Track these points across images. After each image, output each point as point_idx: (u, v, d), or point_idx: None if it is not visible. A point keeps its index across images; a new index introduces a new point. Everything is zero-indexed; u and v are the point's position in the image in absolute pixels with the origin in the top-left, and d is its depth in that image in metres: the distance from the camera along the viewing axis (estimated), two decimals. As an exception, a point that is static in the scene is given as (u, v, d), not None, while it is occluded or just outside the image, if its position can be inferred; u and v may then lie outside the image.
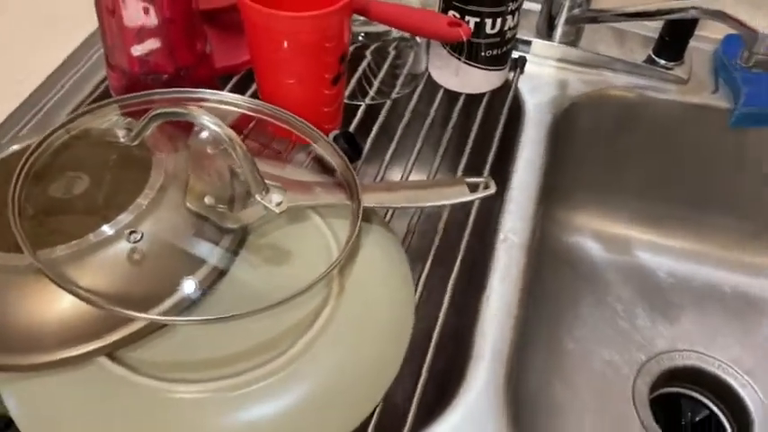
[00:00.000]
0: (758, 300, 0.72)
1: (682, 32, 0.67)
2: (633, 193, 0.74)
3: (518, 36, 0.68)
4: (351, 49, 0.60)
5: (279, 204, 0.40)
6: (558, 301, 0.71)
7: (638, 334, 0.70)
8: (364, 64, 0.63)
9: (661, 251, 0.75)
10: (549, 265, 0.73)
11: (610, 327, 0.71)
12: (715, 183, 0.71)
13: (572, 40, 0.70)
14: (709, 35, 0.71)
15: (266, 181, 0.41)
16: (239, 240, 0.41)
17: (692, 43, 0.68)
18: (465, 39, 0.53)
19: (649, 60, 0.69)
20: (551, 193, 0.70)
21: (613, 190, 0.74)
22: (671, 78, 0.68)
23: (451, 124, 0.60)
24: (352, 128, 0.59)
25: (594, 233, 0.76)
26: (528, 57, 0.69)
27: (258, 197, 0.40)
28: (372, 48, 0.63)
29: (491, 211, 0.56)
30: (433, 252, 0.50)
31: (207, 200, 0.41)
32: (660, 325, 0.71)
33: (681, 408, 0.70)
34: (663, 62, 0.69)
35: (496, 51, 0.61)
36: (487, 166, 0.57)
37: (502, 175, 0.58)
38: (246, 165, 0.39)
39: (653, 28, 0.69)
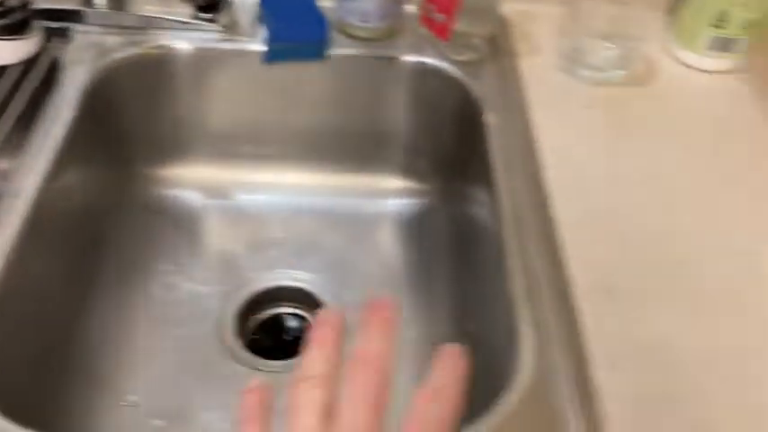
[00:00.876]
0: (338, 217, 0.81)
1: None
2: (217, 141, 0.80)
3: (61, 6, 0.70)
4: None
5: None
6: (150, 253, 0.75)
7: (234, 267, 0.76)
8: None
9: (253, 189, 0.82)
10: (142, 220, 0.77)
11: (207, 266, 0.76)
12: (278, 118, 0.78)
13: (117, 4, 0.73)
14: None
15: None
16: None
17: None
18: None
19: (194, 15, 0.74)
20: (121, 154, 0.74)
21: (196, 139, 0.79)
22: (216, 29, 0.74)
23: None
24: None
25: (190, 183, 0.81)
26: (72, 25, 0.71)
27: None
28: None
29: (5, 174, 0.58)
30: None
31: None
32: (255, 255, 0.77)
33: (283, 325, 0.77)
34: (207, 15, 0.74)
35: (7, 20, 0.63)
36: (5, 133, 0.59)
37: (24, 139, 0.61)
38: None
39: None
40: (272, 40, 0.72)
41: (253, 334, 0.76)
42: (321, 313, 0.34)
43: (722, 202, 0.61)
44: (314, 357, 0.32)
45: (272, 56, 0.72)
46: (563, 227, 0.58)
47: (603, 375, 0.48)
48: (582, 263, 0.55)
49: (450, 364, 0.32)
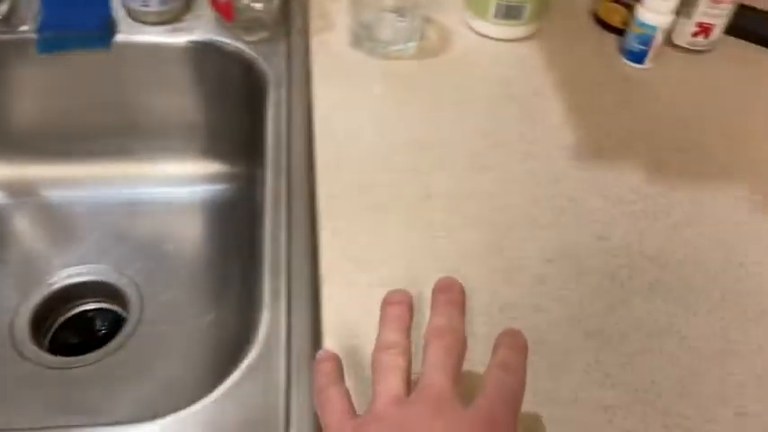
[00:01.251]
0: (144, 207, 0.79)
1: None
2: (13, 138, 0.77)
3: None
4: None
5: None
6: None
7: (36, 266, 0.74)
8: None
9: (56, 185, 0.79)
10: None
11: (6, 266, 0.73)
12: (73, 111, 0.76)
13: None
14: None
15: None
16: None
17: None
18: None
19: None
20: None
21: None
22: (-7, 19, 0.71)
23: None
24: None
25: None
26: None
27: None
28: None
29: None
30: None
31: None
32: (59, 252, 0.75)
33: (92, 321, 0.75)
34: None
35: None
36: None
37: None
38: None
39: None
40: (43, 28, 0.69)
41: (57, 332, 0.73)
42: (392, 293, 0.38)
43: (488, 166, 0.62)
44: (393, 330, 0.36)
45: (45, 46, 0.69)
46: (323, 199, 0.57)
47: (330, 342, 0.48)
48: (332, 233, 0.55)
49: (513, 342, 0.36)
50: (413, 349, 0.37)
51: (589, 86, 0.71)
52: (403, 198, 0.58)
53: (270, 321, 0.49)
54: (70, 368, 0.67)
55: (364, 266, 0.53)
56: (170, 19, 0.73)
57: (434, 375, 0.33)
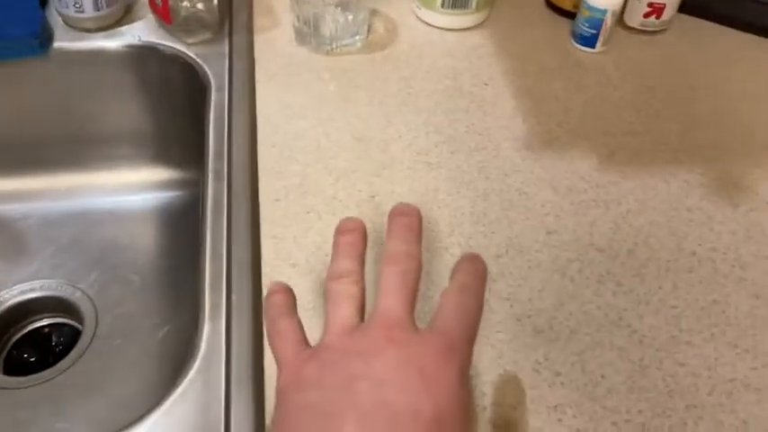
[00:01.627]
0: (97, 218, 0.77)
1: None
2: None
3: None
4: None
5: None
6: None
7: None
8: None
9: (3, 198, 0.77)
10: None
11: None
12: (17, 122, 0.74)
13: None
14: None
15: None
16: None
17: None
18: None
19: None
20: None
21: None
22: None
23: None
24: None
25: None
26: None
27: None
28: None
29: None
30: None
31: None
32: (8, 268, 0.73)
33: (50, 337, 0.73)
34: None
35: None
36: None
37: None
38: None
39: None
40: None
41: (11, 350, 0.72)
42: (344, 221, 0.36)
43: (435, 162, 0.60)
44: (345, 257, 0.34)
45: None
46: (265, 204, 0.56)
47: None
48: (273, 239, 0.53)
49: (473, 266, 0.35)
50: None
51: (540, 73, 0.70)
52: (347, 199, 0.57)
53: (210, 334, 0.48)
54: (23, 388, 0.65)
55: (307, 273, 0.51)
56: (110, 24, 0.71)
57: (389, 301, 0.32)
